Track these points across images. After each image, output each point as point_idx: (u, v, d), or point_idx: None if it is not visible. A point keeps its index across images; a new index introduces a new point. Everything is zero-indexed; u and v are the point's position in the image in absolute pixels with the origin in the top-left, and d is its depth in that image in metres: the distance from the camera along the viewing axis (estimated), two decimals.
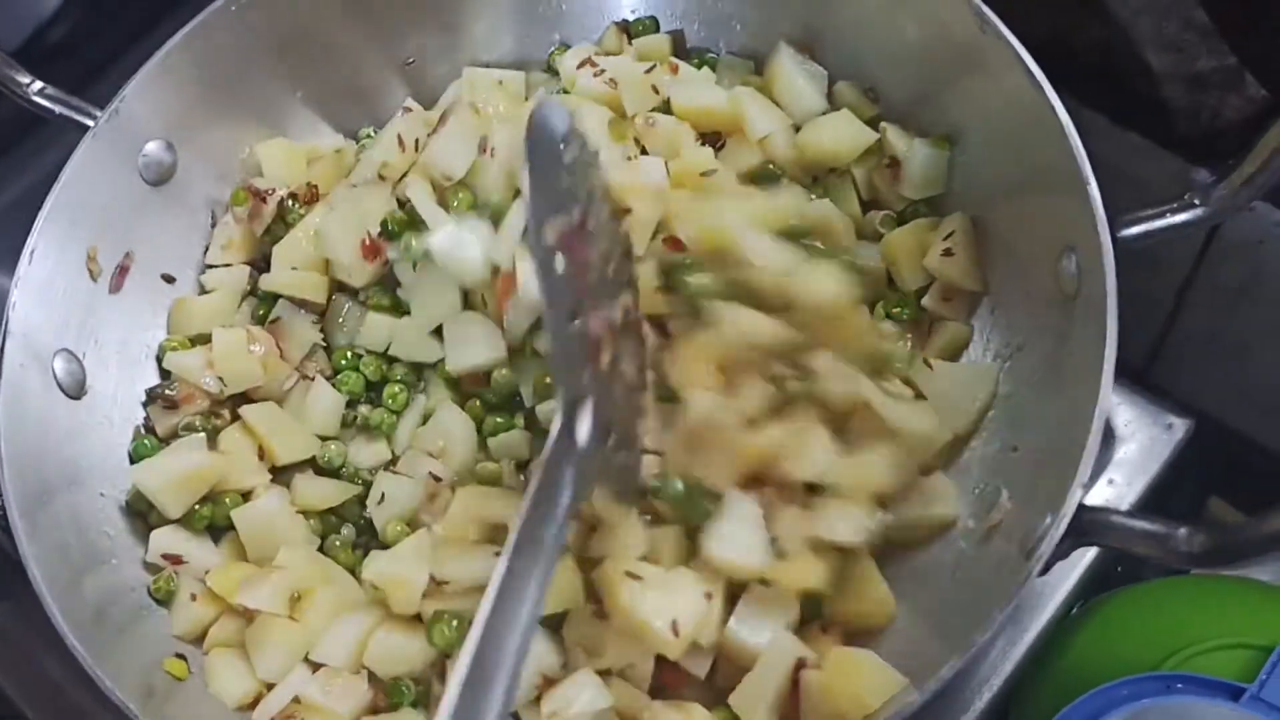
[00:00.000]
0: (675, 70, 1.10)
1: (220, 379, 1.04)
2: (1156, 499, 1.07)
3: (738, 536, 0.88)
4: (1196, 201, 0.88)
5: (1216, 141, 1.02)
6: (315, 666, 0.93)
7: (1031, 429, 0.93)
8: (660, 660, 0.89)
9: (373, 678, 0.93)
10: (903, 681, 0.84)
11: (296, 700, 0.91)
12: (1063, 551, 0.79)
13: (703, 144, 1.06)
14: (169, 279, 1.11)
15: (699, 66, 1.12)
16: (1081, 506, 0.79)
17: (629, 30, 1.16)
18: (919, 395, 0.97)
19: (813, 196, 1.05)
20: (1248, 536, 0.72)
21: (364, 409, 1.06)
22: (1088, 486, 1.01)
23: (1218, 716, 0.82)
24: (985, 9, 0.95)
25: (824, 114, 1.08)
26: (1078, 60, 1.05)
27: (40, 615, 0.86)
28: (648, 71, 1.08)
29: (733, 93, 1.07)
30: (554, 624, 0.91)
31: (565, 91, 1.11)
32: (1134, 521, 0.78)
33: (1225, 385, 1.18)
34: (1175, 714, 0.83)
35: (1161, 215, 0.88)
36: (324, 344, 1.09)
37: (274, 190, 1.11)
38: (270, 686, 0.92)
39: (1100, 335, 0.83)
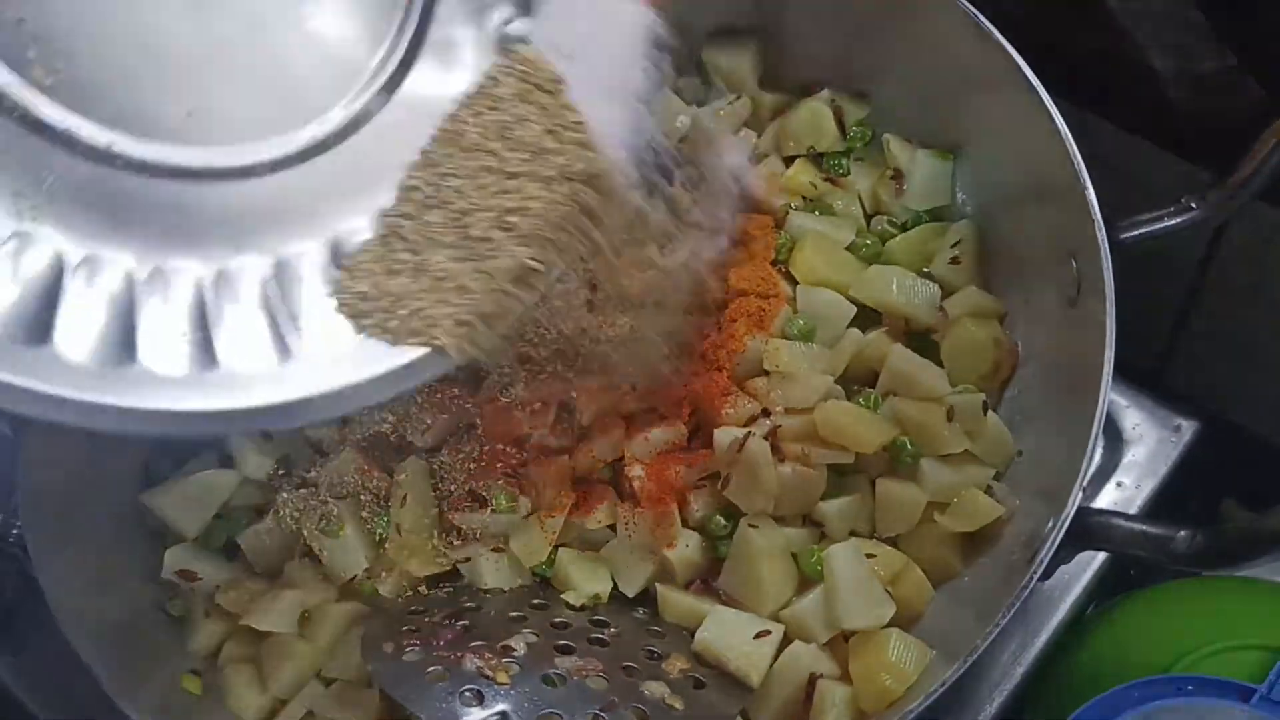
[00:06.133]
0: None
1: None
2: (1168, 502, 1.07)
3: None
4: (1193, 204, 0.88)
5: (1219, 143, 1.02)
6: (328, 681, 0.94)
7: (1036, 433, 0.93)
8: None
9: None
10: (931, 653, 0.85)
11: (310, 714, 0.93)
12: (1065, 556, 0.80)
13: None
14: None
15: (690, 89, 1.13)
16: (1082, 509, 0.79)
17: None
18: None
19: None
20: (1246, 538, 0.72)
21: None
22: (1093, 489, 1.03)
23: (1229, 717, 0.82)
24: (983, 20, 0.95)
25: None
26: (1081, 66, 1.05)
27: (57, 633, 0.87)
28: None
29: None
30: None
31: None
32: (1134, 525, 0.79)
33: (1236, 386, 1.18)
34: (1186, 715, 0.84)
35: (1159, 219, 0.89)
36: None
37: None
38: (285, 701, 0.94)
39: (1100, 339, 0.84)
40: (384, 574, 0.96)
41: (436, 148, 0.72)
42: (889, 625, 0.88)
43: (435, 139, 0.72)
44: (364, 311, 0.69)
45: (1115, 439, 1.07)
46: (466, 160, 0.71)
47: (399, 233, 0.71)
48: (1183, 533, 0.75)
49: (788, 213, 1.06)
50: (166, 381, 0.67)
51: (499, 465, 0.96)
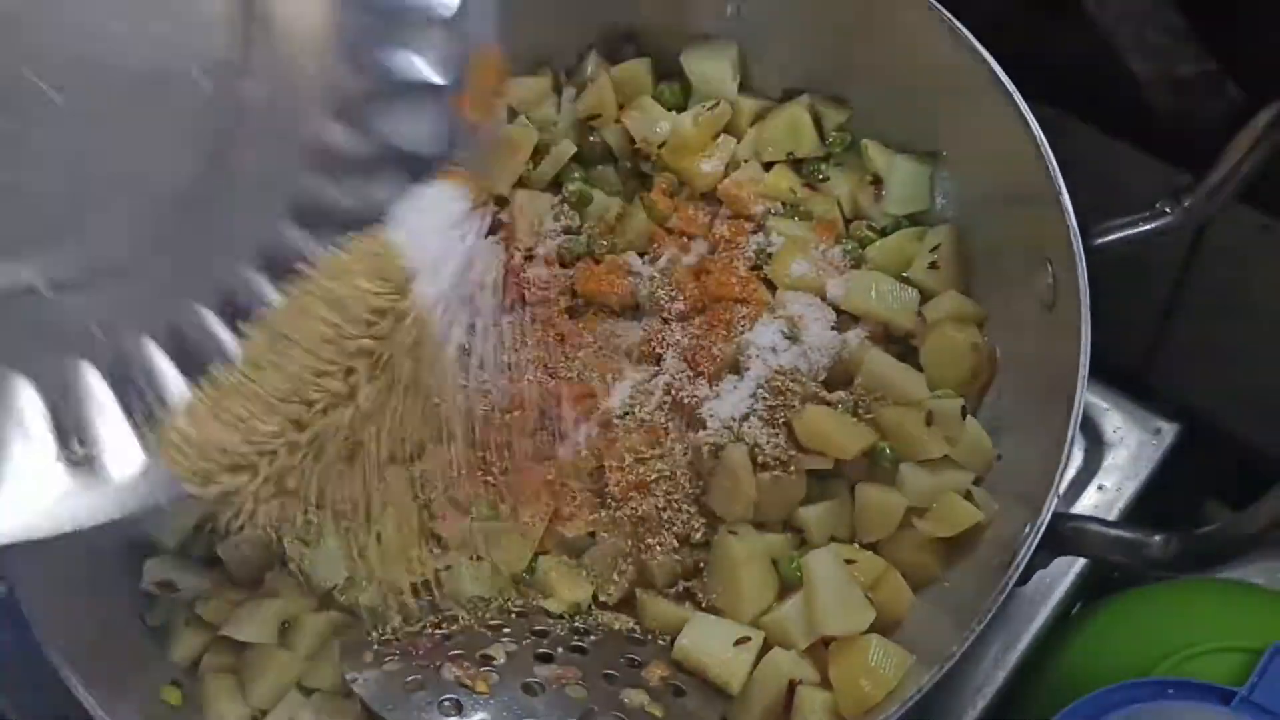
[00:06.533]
0: None
1: None
2: (1151, 504, 1.07)
3: None
4: (1168, 209, 0.88)
5: (1199, 146, 1.03)
6: (308, 690, 0.94)
7: (1015, 437, 0.93)
8: None
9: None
10: (911, 658, 0.85)
11: None
12: (1041, 562, 0.80)
13: None
14: None
15: (670, 95, 1.13)
16: (1058, 515, 0.79)
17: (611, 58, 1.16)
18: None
19: None
20: (1221, 541, 0.72)
21: None
22: (1075, 493, 1.04)
23: None
24: (959, 25, 0.96)
25: None
26: (1061, 70, 1.05)
27: (35, 645, 0.87)
28: None
29: None
30: None
31: None
32: (1109, 530, 0.79)
33: (1218, 388, 1.18)
34: (1168, 718, 0.84)
35: (1134, 223, 0.89)
36: None
37: None
38: (265, 711, 0.93)
39: (1076, 344, 0.84)
40: (364, 583, 0.96)
41: (281, 312, 0.71)
42: (869, 631, 0.88)
43: (283, 302, 0.71)
44: (184, 454, 0.71)
45: (1096, 442, 1.07)
46: (308, 325, 0.71)
47: (238, 388, 0.71)
48: (1158, 538, 0.75)
49: (767, 218, 1.06)
50: None
51: (479, 473, 0.96)
